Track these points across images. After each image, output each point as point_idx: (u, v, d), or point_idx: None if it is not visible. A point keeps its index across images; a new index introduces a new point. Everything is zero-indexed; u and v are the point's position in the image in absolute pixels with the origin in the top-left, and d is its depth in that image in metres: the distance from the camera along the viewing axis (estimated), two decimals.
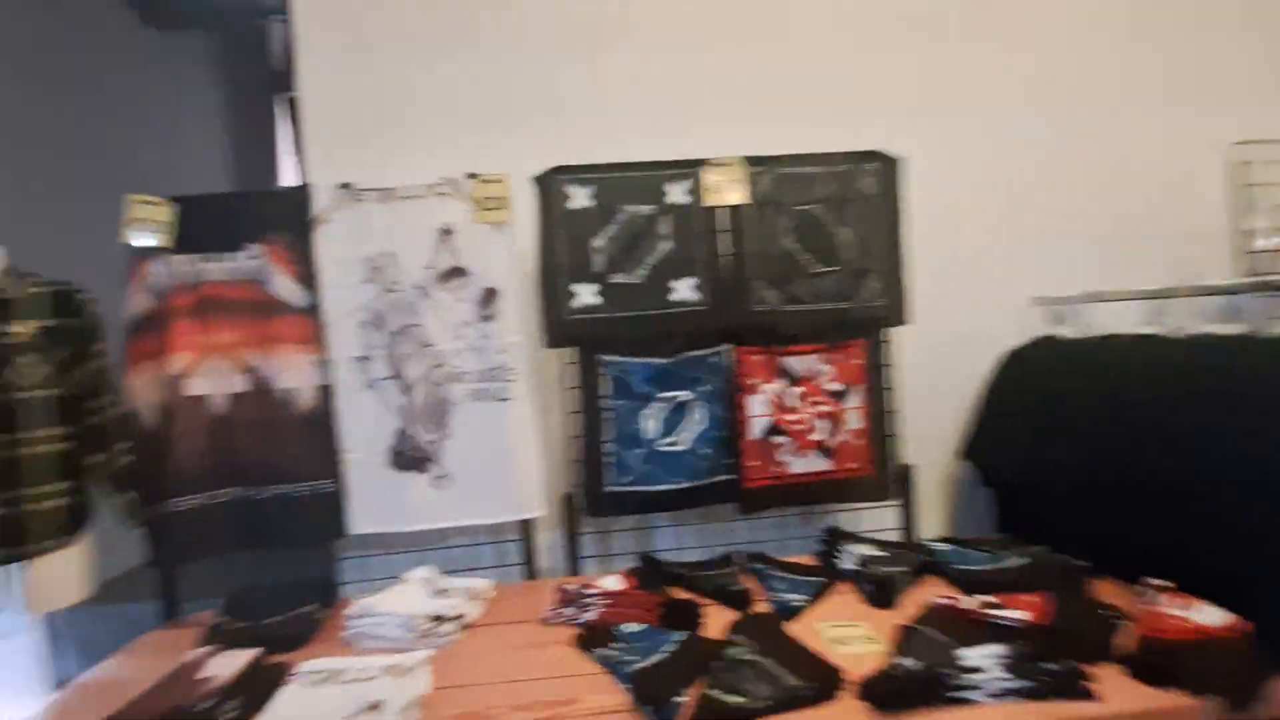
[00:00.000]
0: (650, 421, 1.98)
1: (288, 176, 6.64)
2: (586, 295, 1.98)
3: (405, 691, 1.29)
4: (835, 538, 1.93)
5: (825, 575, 1.78)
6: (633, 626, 1.48)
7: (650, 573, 1.81)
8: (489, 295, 1.94)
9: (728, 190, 1.99)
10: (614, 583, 1.72)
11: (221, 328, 1.87)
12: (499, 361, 1.93)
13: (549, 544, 2.05)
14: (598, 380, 1.98)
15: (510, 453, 1.93)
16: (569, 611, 1.62)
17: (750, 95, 2.30)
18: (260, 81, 6.24)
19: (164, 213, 1.86)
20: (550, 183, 1.98)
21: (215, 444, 1.84)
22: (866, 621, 1.51)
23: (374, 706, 1.23)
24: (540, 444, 1.97)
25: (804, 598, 1.65)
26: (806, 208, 2.01)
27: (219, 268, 1.89)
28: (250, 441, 1.86)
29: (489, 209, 1.95)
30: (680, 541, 2.15)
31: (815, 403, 2.01)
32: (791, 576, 1.78)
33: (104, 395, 1.73)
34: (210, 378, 1.86)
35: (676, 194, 2.00)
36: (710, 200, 1.99)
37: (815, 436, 2.01)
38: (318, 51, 2.27)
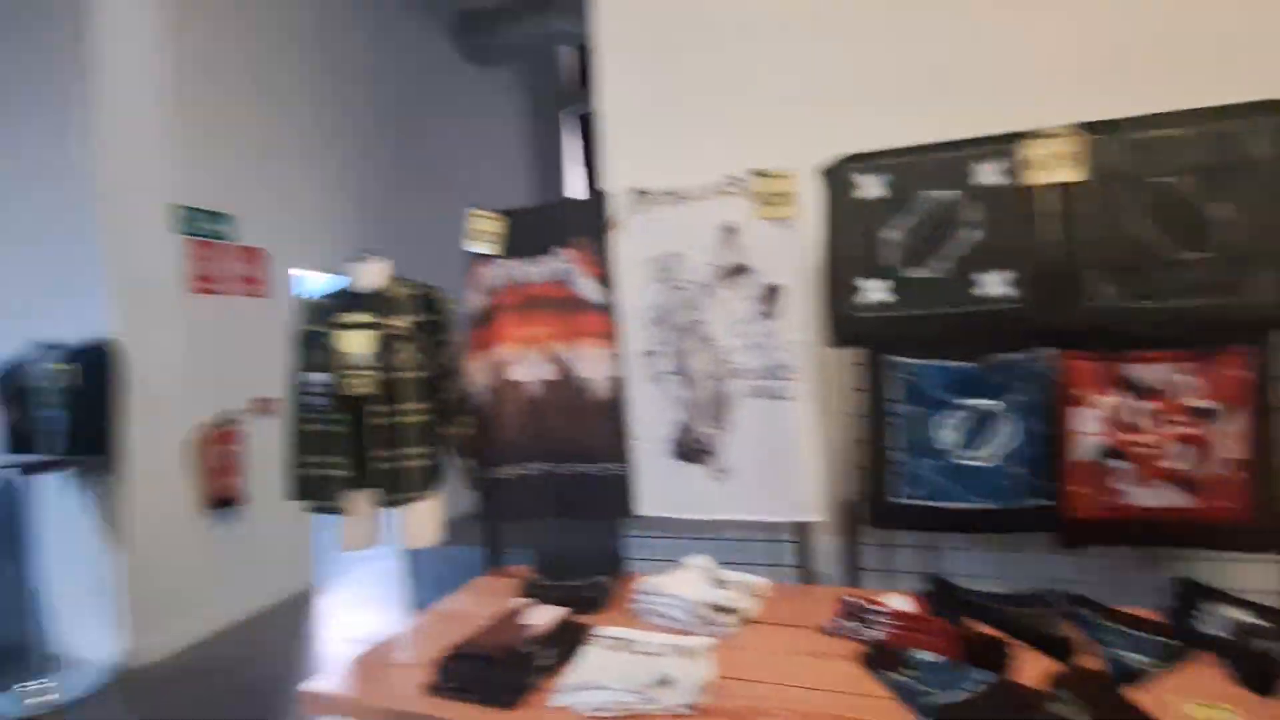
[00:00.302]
0: (947, 431, 1.80)
1: (572, 184, 7.50)
2: (876, 291, 1.86)
3: (693, 673, 1.35)
4: (1192, 592, 1.55)
5: (1177, 637, 1.44)
6: (927, 655, 1.36)
7: (944, 598, 1.64)
8: (771, 292, 1.93)
9: (1056, 166, 1.70)
10: (903, 603, 1.59)
11: (536, 322, 2.14)
12: (780, 359, 1.90)
13: (825, 550, 1.97)
14: (886, 383, 1.85)
15: (789, 453, 1.90)
16: (851, 625, 1.54)
17: (1080, 56, 1.94)
18: (549, 102, 7.17)
19: (497, 225, 2.19)
20: (838, 173, 1.89)
21: (530, 424, 2.13)
22: (1236, 705, 1.19)
23: (665, 681, 1.31)
24: (821, 446, 1.91)
25: (1147, 660, 1.35)
26: (1167, 180, 1.63)
27: (535, 270, 2.16)
28: (557, 424, 2.11)
29: (773, 204, 1.93)
30: (974, 567, 1.91)
31: (1172, 423, 1.62)
32: (1130, 631, 1.47)
33: (451, 378, 2.10)
34: (527, 366, 2.14)
35: (987, 175, 1.77)
36: (1033, 179, 1.72)
37: (1169, 464, 1.63)
38: (615, 69, 2.48)
